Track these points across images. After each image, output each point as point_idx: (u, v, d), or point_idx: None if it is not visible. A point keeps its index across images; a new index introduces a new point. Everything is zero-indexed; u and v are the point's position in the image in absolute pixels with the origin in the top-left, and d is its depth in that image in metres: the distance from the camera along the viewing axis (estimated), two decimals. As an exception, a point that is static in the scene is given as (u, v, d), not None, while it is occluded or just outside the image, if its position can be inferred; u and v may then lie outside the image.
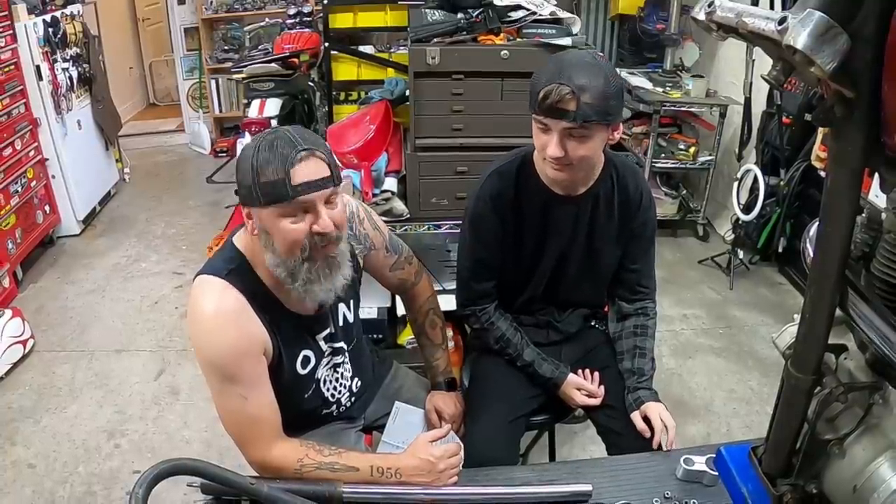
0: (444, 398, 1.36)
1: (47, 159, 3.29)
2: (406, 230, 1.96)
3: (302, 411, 1.21)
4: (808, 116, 2.75)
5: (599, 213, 1.33)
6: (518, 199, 1.31)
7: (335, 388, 1.26)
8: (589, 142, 1.16)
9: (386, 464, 1.08)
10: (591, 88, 1.11)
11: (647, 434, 1.25)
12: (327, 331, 1.20)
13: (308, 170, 0.97)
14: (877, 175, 0.67)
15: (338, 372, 1.25)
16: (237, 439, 1.08)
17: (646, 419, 1.27)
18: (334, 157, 1.07)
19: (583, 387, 1.38)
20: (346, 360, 1.26)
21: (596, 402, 1.38)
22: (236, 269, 1.05)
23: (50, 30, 3.24)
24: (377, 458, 1.13)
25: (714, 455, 1.05)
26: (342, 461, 1.07)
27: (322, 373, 1.22)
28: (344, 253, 1.09)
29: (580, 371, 1.41)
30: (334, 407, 1.27)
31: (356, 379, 1.30)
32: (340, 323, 1.23)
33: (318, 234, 1.00)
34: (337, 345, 1.23)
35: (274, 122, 2.39)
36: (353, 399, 1.30)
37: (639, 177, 1.37)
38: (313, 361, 1.19)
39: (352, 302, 1.26)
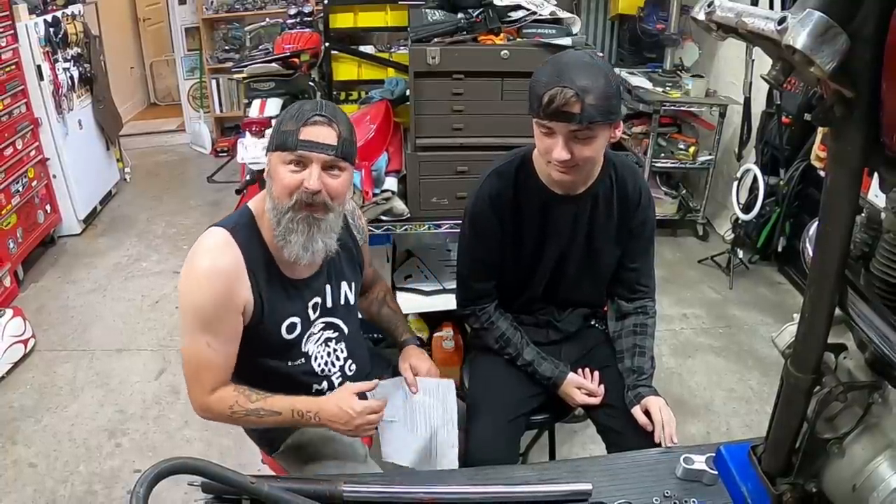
0: (418, 354, 1.36)
1: (48, 159, 3.29)
2: (406, 230, 1.95)
3: (292, 384, 1.23)
4: (807, 116, 2.75)
5: (599, 213, 1.33)
6: (517, 199, 1.31)
7: (326, 364, 1.28)
8: (594, 142, 1.16)
9: (306, 407, 1.14)
10: (594, 89, 1.11)
11: (649, 428, 1.25)
12: (318, 299, 1.24)
13: (317, 132, 1.10)
14: (876, 175, 0.67)
15: (329, 347, 1.28)
16: (188, 380, 1.17)
17: (647, 414, 1.27)
18: (354, 137, 1.16)
19: (583, 386, 1.38)
20: (342, 340, 1.29)
21: (596, 401, 1.38)
22: (243, 225, 1.16)
23: (51, 30, 3.24)
24: (298, 401, 1.16)
25: (714, 454, 1.04)
26: (267, 406, 1.14)
27: (312, 348, 1.25)
28: (331, 224, 1.16)
29: (580, 370, 1.41)
30: (325, 384, 1.28)
31: (350, 361, 1.32)
32: (342, 301, 1.28)
33: (306, 190, 1.10)
34: (333, 320, 1.27)
35: (274, 122, 2.38)
36: (344, 381, 1.30)
37: (637, 176, 1.37)
38: (299, 329, 1.22)
39: (354, 284, 1.31)
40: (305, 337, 1.24)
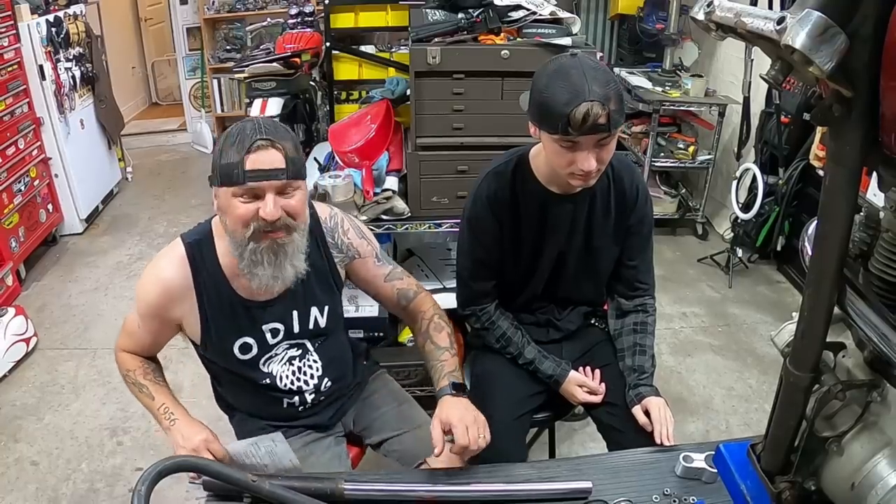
0: (450, 404, 1.16)
1: (50, 158, 3.30)
2: (407, 229, 1.96)
3: (264, 398, 1.25)
4: (806, 116, 2.75)
5: (596, 211, 1.33)
6: (515, 200, 1.32)
7: (292, 382, 1.25)
8: (612, 144, 1.17)
9: (171, 410, 1.17)
10: (613, 95, 1.10)
11: (649, 428, 1.25)
12: (278, 325, 1.20)
13: (263, 158, 1.03)
14: (875, 174, 0.68)
15: (294, 365, 1.25)
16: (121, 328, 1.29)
17: (647, 414, 1.27)
18: (300, 151, 1.11)
19: (584, 384, 1.38)
20: (307, 357, 1.26)
21: (597, 399, 1.38)
22: (199, 241, 1.17)
23: (53, 30, 3.25)
24: (171, 401, 1.20)
25: (713, 452, 1.05)
26: (150, 389, 1.21)
27: (277, 368, 1.23)
28: (297, 245, 1.12)
29: (581, 368, 1.42)
30: (297, 398, 1.26)
31: (326, 380, 1.28)
32: (310, 325, 1.23)
33: (263, 219, 1.05)
34: (299, 342, 1.24)
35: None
36: (320, 398, 1.29)
37: (635, 173, 1.38)
38: (255, 350, 1.20)
39: (328, 307, 1.25)
40: (265, 359, 1.22)
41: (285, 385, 1.25)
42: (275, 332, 1.21)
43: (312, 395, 1.28)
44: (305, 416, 1.30)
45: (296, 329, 1.22)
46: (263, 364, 1.23)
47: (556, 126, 1.11)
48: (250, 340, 1.20)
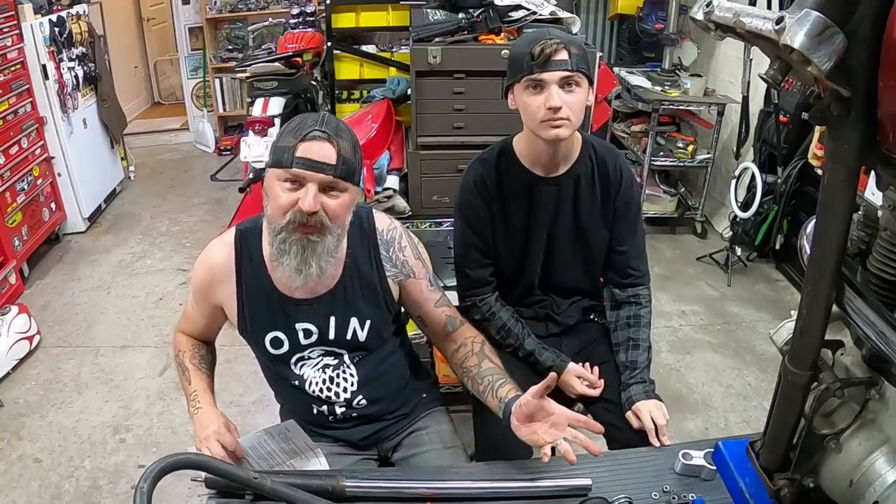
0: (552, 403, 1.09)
1: (53, 157, 3.31)
2: (407, 227, 1.97)
3: (296, 400, 1.24)
4: (805, 115, 2.75)
5: (581, 192, 1.36)
6: (501, 183, 1.36)
7: (321, 391, 1.22)
8: (579, 92, 1.24)
9: (199, 398, 1.17)
10: (573, 42, 1.23)
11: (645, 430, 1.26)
12: (312, 327, 1.18)
13: (315, 149, 1.03)
14: (873, 173, 0.68)
15: (326, 374, 1.22)
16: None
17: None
18: (359, 155, 1.09)
19: (583, 376, 1.39)
20: (348, 370, 1.22)
21: (595, 392, 1.38)
22: (249, 229, 1.19)
23: (56, 29, 3.26)
24: (202, 390, 1.19)
25: (712, 449, 1.05)
26: (190, 373, 1.22)
27: (309, 372, 1.21)
28: (329, 247, 1.09)
29: (580, 364, 1.42)
30: (325, 408, 1.23)
31: (360, 397, 1.24)
32: (348, 336, 1.20)
33: (300, 210, 1.04)
34: (334, 350, 1.21)
35: (277, 121, 2.40)
36: (351, 413, 1.25)
37: (617, 156, 1.40)
38: (286, 347, 1.19)
39: (370, 322, 1.20)
40: (296, 359, 1.20)
41: (313, 391, 1.22)
42: (307, 333, 1.18)
43: (343, 409, 1.24)
44: (335, 427, 1.26)
45: (331, 335, 1.19)
46: (295, 364, 1.21)
47: (521, 67, 1.23)
48: (282, 336, 1.18)
